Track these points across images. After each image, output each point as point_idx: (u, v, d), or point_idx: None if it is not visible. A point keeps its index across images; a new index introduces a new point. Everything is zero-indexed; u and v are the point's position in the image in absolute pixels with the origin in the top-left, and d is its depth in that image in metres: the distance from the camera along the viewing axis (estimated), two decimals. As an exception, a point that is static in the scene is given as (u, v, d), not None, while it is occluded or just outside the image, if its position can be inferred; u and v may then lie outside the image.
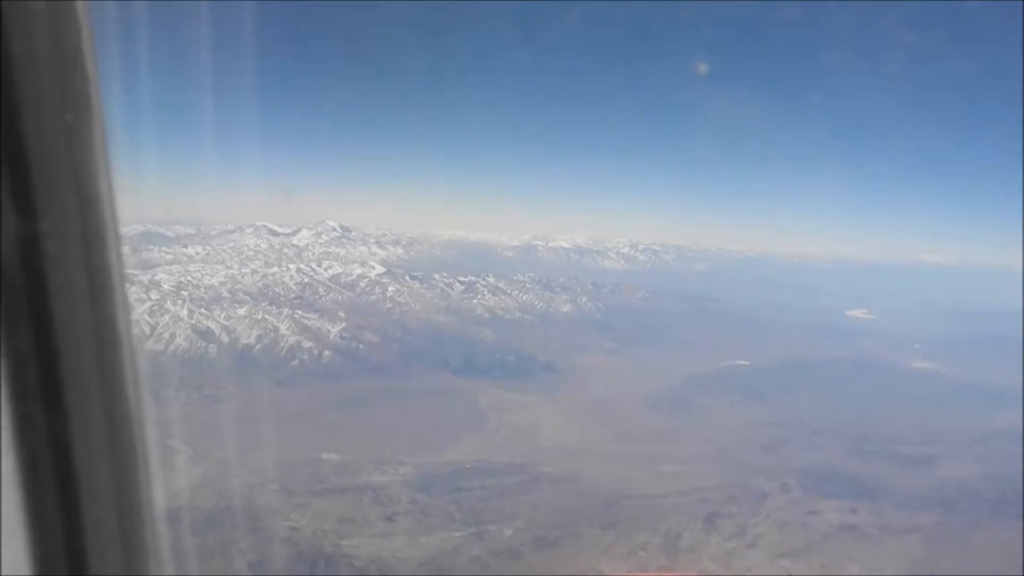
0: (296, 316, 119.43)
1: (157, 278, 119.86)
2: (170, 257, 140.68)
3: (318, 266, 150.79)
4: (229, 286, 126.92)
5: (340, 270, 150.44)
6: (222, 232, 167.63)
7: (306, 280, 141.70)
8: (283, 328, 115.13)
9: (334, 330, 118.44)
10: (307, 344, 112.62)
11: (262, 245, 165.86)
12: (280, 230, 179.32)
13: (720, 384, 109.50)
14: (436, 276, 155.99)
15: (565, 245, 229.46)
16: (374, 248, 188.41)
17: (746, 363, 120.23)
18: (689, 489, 73.76)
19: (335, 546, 59.30)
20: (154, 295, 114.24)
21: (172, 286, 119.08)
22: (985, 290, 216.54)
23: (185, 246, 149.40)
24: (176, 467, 46.96)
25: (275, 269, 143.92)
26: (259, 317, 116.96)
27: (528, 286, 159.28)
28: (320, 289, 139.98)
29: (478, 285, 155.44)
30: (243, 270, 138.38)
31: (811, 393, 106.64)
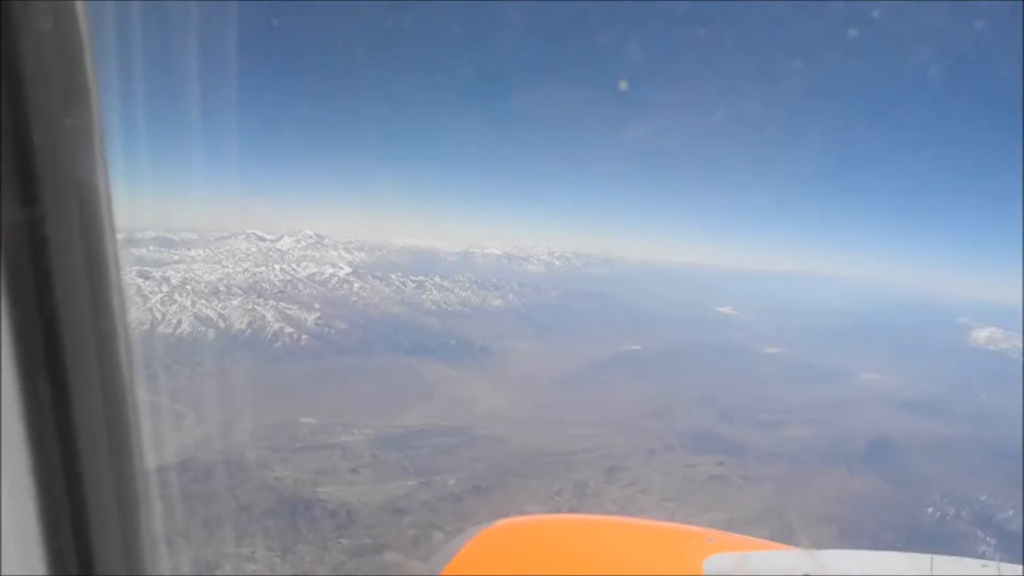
0: (279, 307, 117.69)
1: (167, 274, 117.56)
2: (177, 257, 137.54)
3: (297, 266, 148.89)
4: (225, 282, 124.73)
5: (315, 270, 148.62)
6: (219, 237, 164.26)
7: (287, 278, 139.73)
8: (269, 316, 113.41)
9: (310, 318, 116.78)
10: (288, 330, 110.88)
11: (252, 249, 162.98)
12: (267, 236, 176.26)
13: (618, 365, 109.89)
14: (393, 276, 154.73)
15: (496, 252, 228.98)
16: (342, 252, 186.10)
17: (639, 348, 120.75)
18: (594, 447, 73.73)
19: (311, 492, 58.30)
20: (164, 288, 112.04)
21: (179, 281, 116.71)
22: (820, 293, 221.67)
23: (189, 249, 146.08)
24: (183, 427, 45.87)
25: (262, 269, 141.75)
26: (249, 307, 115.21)
27: (466, 285, 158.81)
28: (299, 285, 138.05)
29: (426, 284, 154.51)
30: (236, 269, 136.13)
31: (689, 372, 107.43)
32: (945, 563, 2.55)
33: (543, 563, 3.24)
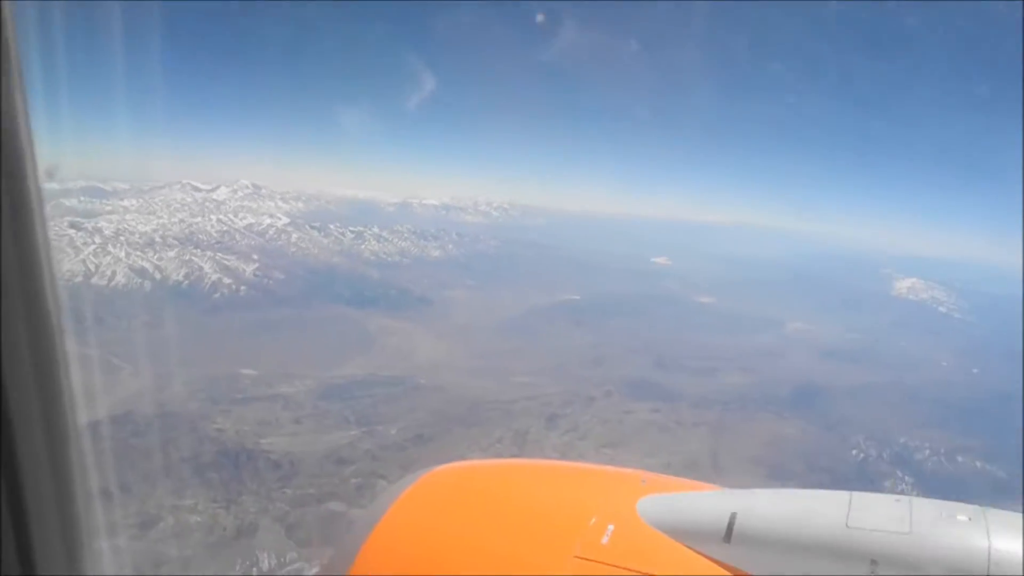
0: (217, 258, 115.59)
1: (99, 225, 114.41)
2: (109, 208, 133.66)
3: (234, 217, 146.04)
4: (160, 233, 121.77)
5: (253, 220, 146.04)
6: (153, 188, 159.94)
7: (225, 229, 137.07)
8: (207, 268, 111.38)
9: (249, 269, 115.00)
10: (227, 281, 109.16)
11: (187, 199, 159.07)
12: (202, 187, 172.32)
13: (557, 314, 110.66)
14: (331, 226, 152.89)
15: (434, 202, 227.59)
16: (280, 203, 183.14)
17: (577, 298, 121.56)
18: (534, 395, 74.40)
19: (254, 444, 57.98)
20: (97, 239, 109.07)
21: (112, 232, 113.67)
22: (754, 244, 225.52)
23: (121, 199, 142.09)
24: (120, 381, 44.78)
25: (198, 219, 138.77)
26: (186, 259, 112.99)
27: (405, 235, 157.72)
28: (236, 236, 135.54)
29: (365, 234, 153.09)
30: (171, 220, 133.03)
31: (626, 321, 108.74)
32: (862, 499, 2.67)
33: (481, 506, 3.30)
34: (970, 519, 2.52)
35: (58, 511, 1.93)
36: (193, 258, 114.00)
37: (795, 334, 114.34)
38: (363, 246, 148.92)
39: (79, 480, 1.98)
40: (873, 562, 2.42)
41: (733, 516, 2.74)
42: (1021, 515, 2.58)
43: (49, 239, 1.83)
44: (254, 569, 45.79)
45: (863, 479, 62.59)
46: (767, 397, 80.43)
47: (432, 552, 3.11)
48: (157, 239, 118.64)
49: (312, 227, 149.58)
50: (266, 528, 48.90)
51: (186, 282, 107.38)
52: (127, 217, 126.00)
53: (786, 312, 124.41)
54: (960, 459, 68.84)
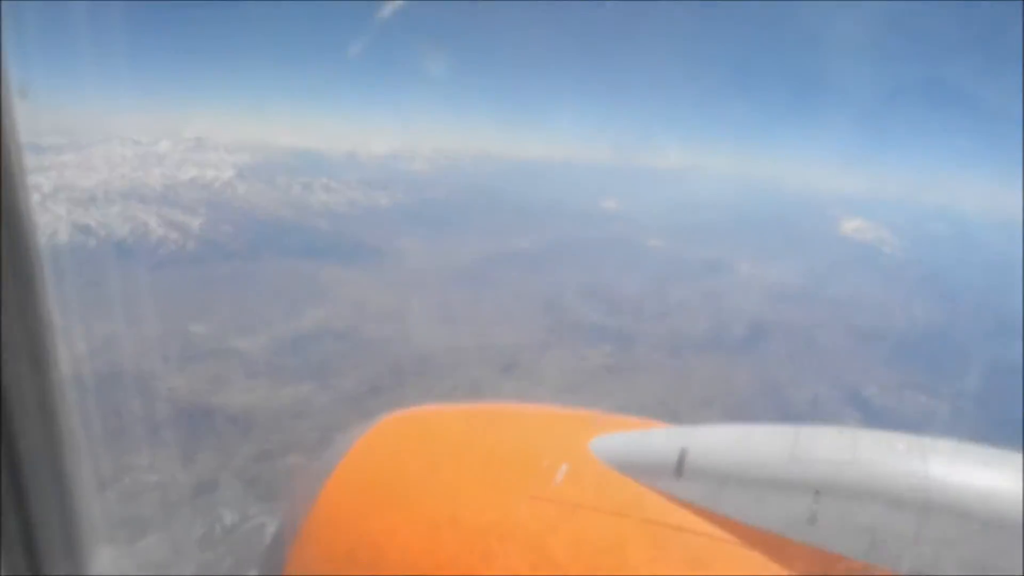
0: (162, 212, 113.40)
1: (37, 182, 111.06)
2: (47, 163, 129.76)
3: (178, 170, 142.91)
4: (102, 188, 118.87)
5: (197, 173, 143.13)
6: (92, 142, 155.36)
7: (168, 183, 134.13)
8: (151, 223, 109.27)
9: (195, 224, 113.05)
10: (173, 236, 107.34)
11: (128, 153, 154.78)
12: (143, 140, 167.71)
13: (508, 261, 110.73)
14: (278, 178, 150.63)
15: (381, 151, 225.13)
16: (224, 155, 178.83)
17: (527, 244, 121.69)
18: (487, 344, 74.77)
19: (209, 401, 57.70)
20: (36, 196, 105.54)
21: (51, 188, 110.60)
22: (703, 187, 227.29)
23: (59, 154, 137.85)
24: (66, 341, 43.86)
25: (141, 173, 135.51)
26: (130, 214, 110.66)
27: (354, 185, 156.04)
28: (181, 190, 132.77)
29: (313, 185, 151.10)
30: (113, 175, 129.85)
31: (577, 265, 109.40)
32: (807, 432, 2.80)
33: (436, 450, 3.38)
34: (909, 448, 2.66)
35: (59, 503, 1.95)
36: (137, 213, 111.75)
37: (745, 276, 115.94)
38: (311, 197, 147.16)
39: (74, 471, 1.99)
40: (817, 492, 2.55)
41: (683, 452, 2.85)
42: (956, 443, 2.74)
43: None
44: (216, 526, 45.88)
45: (814, 417, 64.24)
46: (719, 339, 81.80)
47: (389, 495, 3.18)
48: (99, 194, 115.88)
49: (259, 179, 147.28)
50: (226, 484, 48.97)
51: (131, 238, 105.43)
52: (66, 173, 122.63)
53: (735, 254, 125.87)
54: (906, 394, 70.96)
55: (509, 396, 64.12)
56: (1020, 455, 2.55)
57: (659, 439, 3.12)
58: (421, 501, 3.10)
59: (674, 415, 61.76)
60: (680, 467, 2.84)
